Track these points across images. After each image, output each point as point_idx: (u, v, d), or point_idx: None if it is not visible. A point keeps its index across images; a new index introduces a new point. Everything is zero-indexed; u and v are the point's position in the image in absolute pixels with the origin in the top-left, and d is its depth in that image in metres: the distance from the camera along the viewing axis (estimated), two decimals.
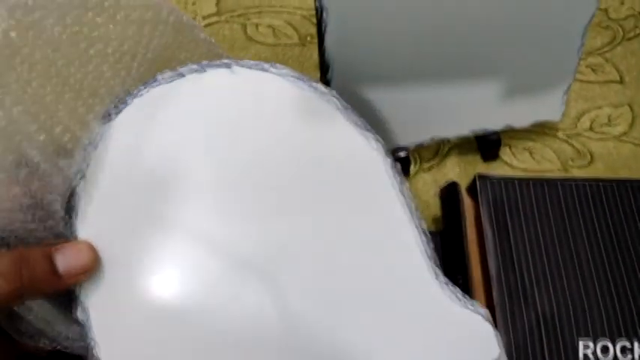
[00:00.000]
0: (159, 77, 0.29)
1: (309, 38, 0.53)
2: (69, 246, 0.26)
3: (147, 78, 0.29)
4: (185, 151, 0.28)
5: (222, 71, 0.29)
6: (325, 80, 0.38)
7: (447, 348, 0.29)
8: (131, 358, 0.27)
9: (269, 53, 0.52)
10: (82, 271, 0.26)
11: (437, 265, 0.30)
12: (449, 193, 0.41)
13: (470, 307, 0.30)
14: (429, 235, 0.30)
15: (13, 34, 0.24)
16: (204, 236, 0.28)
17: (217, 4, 0.55)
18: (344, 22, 0.35)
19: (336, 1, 0.34)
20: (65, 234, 0.27)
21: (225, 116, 0.29)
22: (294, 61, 0.52)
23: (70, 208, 0.27)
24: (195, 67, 0.29)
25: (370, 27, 0.36)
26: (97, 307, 0.27)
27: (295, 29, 0.54)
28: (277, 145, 0.29)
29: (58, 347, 0.27)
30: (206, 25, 0.54)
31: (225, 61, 0.29)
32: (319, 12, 0.34)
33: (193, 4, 0.55)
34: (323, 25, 0.34)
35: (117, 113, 0.28)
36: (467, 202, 0.40)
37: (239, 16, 0.54)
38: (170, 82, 0.29)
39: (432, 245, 0.30)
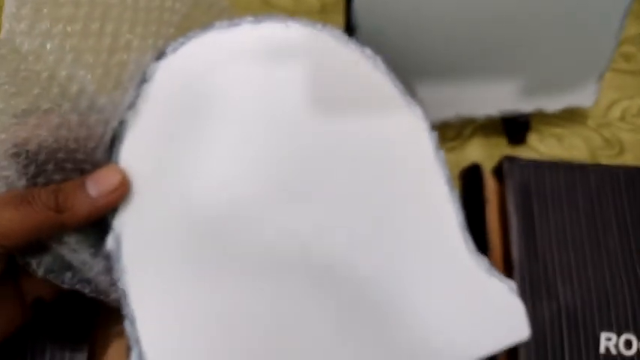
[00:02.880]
0: (216, 24, 0.29)
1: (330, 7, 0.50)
2: (99, 170, 0.26)
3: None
4: (234, 93, 0.29)
5: (277, 24, 0.30)
6: None
7: (476, 317, 0.29)
8: (160, 287, 0.27)
9: None
10: (113, 190, 0.26)
11: (467, 234, 0.31)
12: (471, 176, 0.38)
13: (498, 277, 0.30)
14: (459, 202, 0.31)
15: None
16: (247, 170, 0.28)
17: None
18: None
19: None
20: (105, 160, 0.27)
21: (277, 67, 0.30)
22: None
23: (115, 135, 0.27)
24: (251, 18, 0.30)
25: None
26: (130, 235, 0.27)
27: None
28: (324, 103, 0.30)
29: (77, 286, 0.27)
30: None
31: (281, 16, 0.30)
32: None
33: None
34: None
35: (173, 52, 0.28)
36: (490, 185, 0.38)
37: None
38: (227, 28, 0.29)
39: (462, 213, 0.31)
